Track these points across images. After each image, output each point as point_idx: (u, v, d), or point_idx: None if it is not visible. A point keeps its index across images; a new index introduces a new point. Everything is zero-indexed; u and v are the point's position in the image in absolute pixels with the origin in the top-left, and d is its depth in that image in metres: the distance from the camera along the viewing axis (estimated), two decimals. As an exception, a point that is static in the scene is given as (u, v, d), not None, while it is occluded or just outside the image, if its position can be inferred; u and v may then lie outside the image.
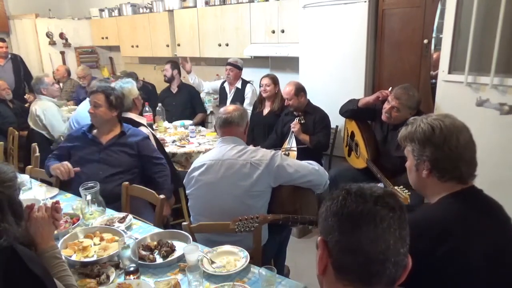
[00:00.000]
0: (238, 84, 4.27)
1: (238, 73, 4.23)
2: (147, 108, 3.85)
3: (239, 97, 4.20)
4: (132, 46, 5.95)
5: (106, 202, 2.07)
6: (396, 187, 2.13)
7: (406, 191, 2.05)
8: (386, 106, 2.64)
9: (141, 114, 3.30)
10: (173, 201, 2.82)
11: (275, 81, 3.75)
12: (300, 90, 3.34)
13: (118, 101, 2.51)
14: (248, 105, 4.09)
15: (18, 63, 5.49)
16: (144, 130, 2.75)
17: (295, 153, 3.17)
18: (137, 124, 2.78)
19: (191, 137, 3.70)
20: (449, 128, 1.24)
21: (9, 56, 5.41)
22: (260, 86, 3.83)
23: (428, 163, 1.25)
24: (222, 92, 4.42)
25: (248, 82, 4.34)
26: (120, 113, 2.58)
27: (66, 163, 2.38)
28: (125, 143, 2.50)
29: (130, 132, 2.57)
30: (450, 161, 1.22)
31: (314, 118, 3.31)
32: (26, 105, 4.64)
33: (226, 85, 4.37)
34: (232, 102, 4.09)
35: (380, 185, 2.47)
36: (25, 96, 4.90)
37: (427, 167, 1.26)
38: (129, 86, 2.85)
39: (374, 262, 0.78)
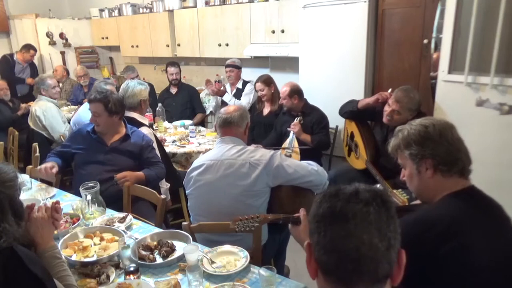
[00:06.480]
0: (239, 84, 4.29)
1: (238, 72, 4.27)
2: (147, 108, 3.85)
3: (239, 97, 4.20)
4: (132, 46, 5.96)
5: (106, 203, 2.08)
6: (395, 191, 2.13)
7: (405, 194, 2.05)
8: (387, 109, 2.62)
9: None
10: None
11: (267, 82, 3.70)
12: (294, 92, 3.30)
13: (118, 105, 2.51)
14: (245, 103, 4.08)
15: (34, 68, 5.78)
16: (146, 130, 2.76)
17: (298, 155, 3.15)
18: (139, 124, 2.79)
19: (191, 137, 3.69)
20: (441, 124, 1.29)
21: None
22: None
23: (431, 160, 1.26)
24: None
25: (248, 82, 4.34)
26: (122, 114, 2.59)
27: (49, 166, 2.42)
28: (129, 146, 2.53)
29: (134, 135, 2.58)
30: (451, 154, 1.25)
31: (312, 119, 3.28)
32: (25, 105, 4.62)
33: (227, 86, 4.40)
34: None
35: (379, 186, 2.47)
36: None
37: (430, 164, 1.26)
38: (142, 88, 2.90)
39: (348, 259, 0.76)
